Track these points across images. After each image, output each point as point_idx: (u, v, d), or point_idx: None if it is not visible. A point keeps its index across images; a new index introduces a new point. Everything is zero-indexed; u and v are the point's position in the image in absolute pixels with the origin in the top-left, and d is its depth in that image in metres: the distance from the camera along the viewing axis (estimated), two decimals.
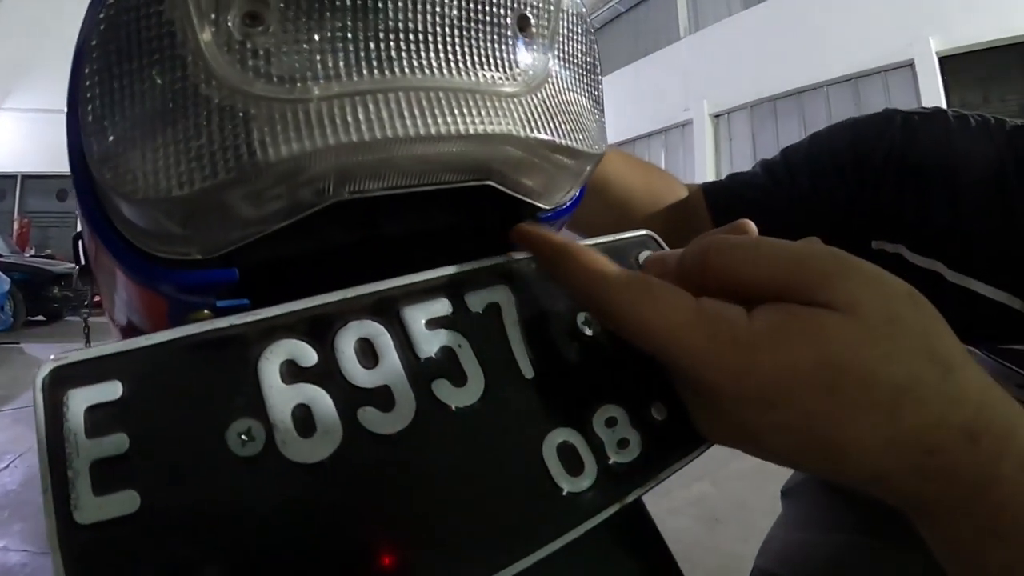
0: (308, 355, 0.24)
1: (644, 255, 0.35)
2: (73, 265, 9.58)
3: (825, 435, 0.24)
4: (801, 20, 8.33)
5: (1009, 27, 6.40)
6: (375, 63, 0.24)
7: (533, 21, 0.29)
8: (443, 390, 0.26)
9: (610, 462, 0.27)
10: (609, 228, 0.41)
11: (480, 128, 0.25)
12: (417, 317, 0.26)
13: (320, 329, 0.25)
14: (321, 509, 0.23)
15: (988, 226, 0.57)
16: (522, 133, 0.27)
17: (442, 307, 0.27)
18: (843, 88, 8.07)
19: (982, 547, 0.24)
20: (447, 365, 0.26)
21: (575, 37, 0.32)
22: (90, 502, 0.20)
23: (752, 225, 0.35)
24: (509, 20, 0.28)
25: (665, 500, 2.18)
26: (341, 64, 0.24)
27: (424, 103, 0.24)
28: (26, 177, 12.31)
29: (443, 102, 0.25)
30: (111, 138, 0.24)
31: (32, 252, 10.28)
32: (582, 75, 0.32)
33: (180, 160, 0.23)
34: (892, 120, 0.63)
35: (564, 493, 0.26)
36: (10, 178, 12.32)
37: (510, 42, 0.28)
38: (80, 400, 0.21)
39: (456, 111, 0.25)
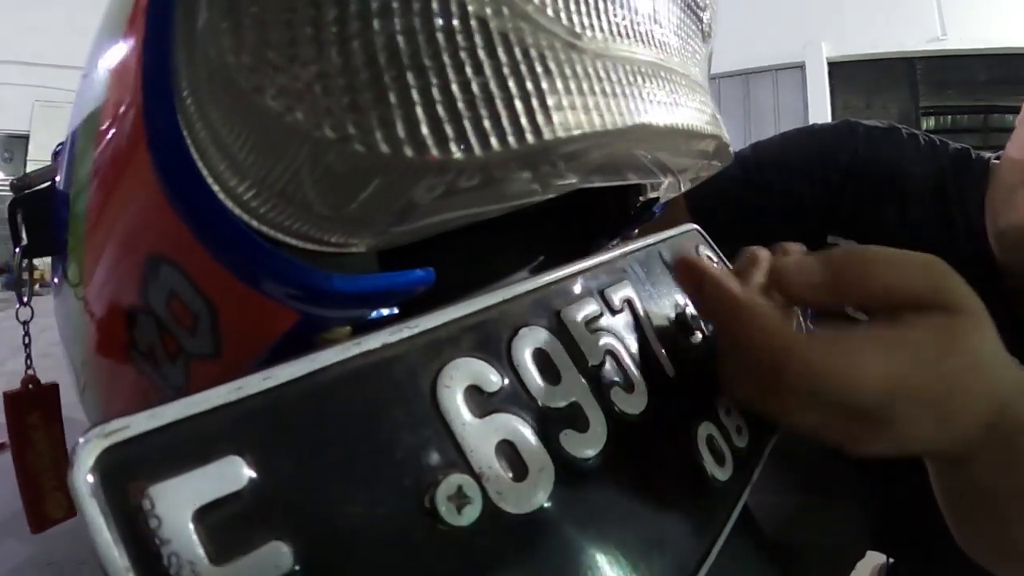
0: (490, 376, 0.20)
1: (705, 252, 0.37)
2: None
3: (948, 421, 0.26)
4: (749, 6, 8.55)
5: (897, 41, 6.90)
6: (655, 33, 0.21)
7: (706, 18, 0.28)
8: (620, 399, 0.23)
9: (736, 447, 0.27)
10: None
11: (706, 127, 0.24)
12: (577, 320, 0.24)
13: (490, 341, 0.21)
14: (551, 562, 0.18)
15: (929, 230, 0.67)
16: (724, 133, 0.27)
17: (593, 307, 0.25)
18: (734, 82, 8.51)
19: (997, 476, 0.29)
20: (614, 371, 0.24)
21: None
22: None
23: (796, 246, 0.39)
24: (700, 10, 0.27)
25: None
26: (619, 18, 0.19)
27: (691, 94, 0.23)
28: None
29: (699, 95, 0.23)
30: (262, 84, 0.16)
31: None
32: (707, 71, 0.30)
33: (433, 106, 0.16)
34: (855, 131, 0.73)
35: (718, 483, 0.26)
36: None
37: (700, 31, 0.27)
38: (179, 501, 0.13)
39: (707, 107, 0.24)
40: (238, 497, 0.14)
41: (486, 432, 0.18)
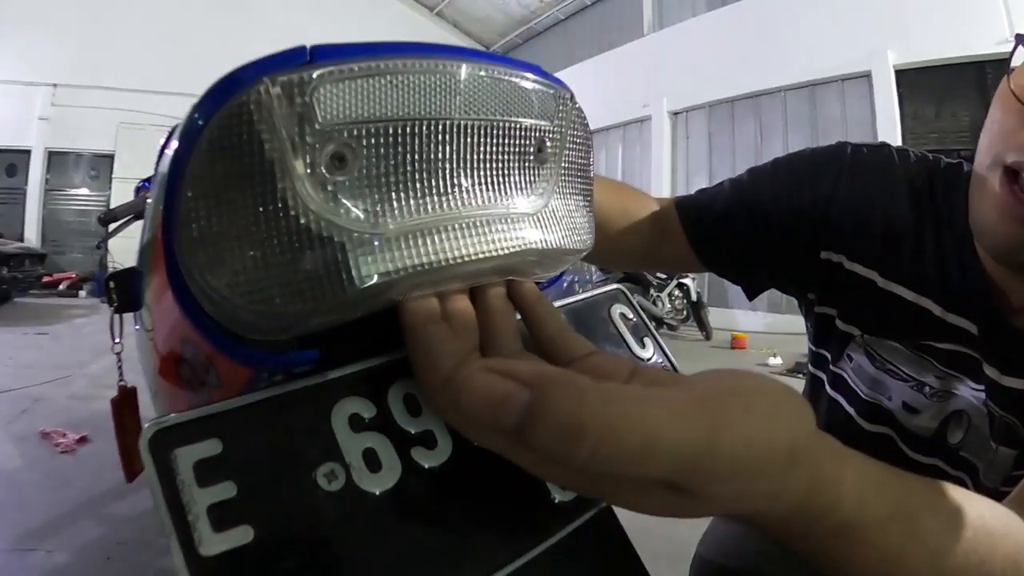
0: (365, 411, 0.31)
1: (619, 311, 0.45)
2: (22, 244, 9.27)
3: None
4: (763, 25, 8.56)
5: (964, 46, 6.68)
6: (435, 200, 0.31)
7: (548, 144, 0.36)
8: None
9: None
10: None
11: (511, 247, 0.33)
12: None
13: (374, 387, 0.32)
14: (391, 524, 0.30)
15: (915, 242, 0.68)
16: (539, 246, 0.34)
17: None
18: (800, 94, 8.36)
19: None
20: None
21: (579, 145, 0.39)
22: (211, 538, 0.26)
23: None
24: (532, 148, 0.35)
25: None
26: (410, 201, 0.30)
27: (472, 231, 0.31)
28: None
29: (485, 229, 0.32)
30: (216, 254, 0.29)
31: None
32: (579, 179, 0.39)
33: (285, 281, 0.28)
34: (843, 150, 0.74)
35: (557, 503, 0.34)
36: None
37: (531, 167, 0.35)
38: (187, 458, 0.27)
39: (494, 237, 0.32)
40: (216, 459, 0.27)
41: (357, 441, 0.30)
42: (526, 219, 0.34)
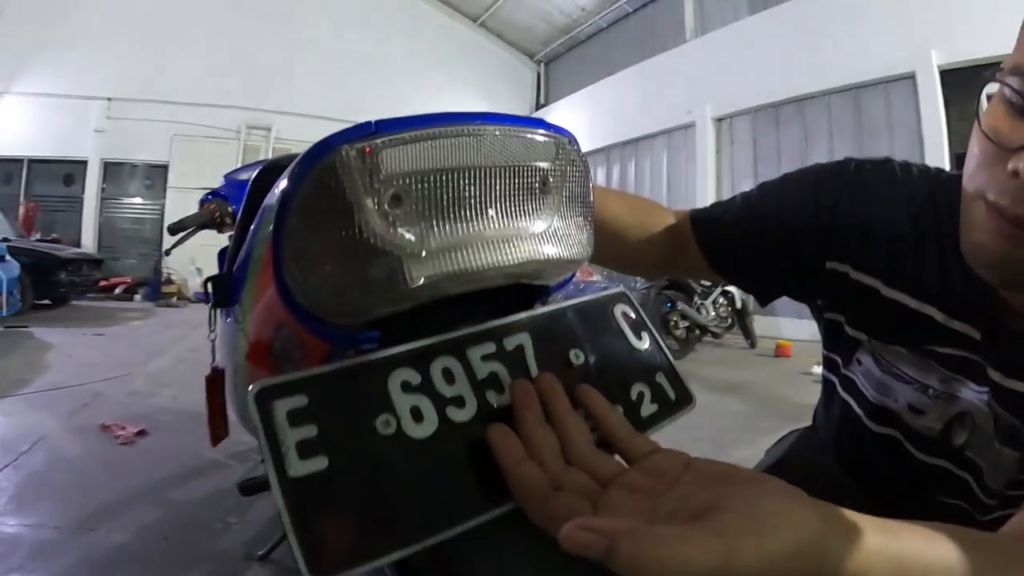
0: (414, 378, 0.42)
1: (621, 310, 0.55)
2: (80, 250, 9.65)
3: None
4: (805, 28, 8.45)
5: (1009, 44, 6.43)
6: (464, 226, 0.42)
7: (550, 179, 0.47)
8: (492, 396, 0.44)
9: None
10: (608, 258, 0.59)
11: (521, 258, 0.44)
12: (476, 354, 0.45)
13: (421, 362, 0.43)
14: (429, 461, 0.40)
15: (916, 252, 0.71)
16: (542, 257, 0.45)
17: (489, 348, 0.46)
18: (844, 97, 8.22)
19: None
20: (494, 382, 0.44)
21: (576, 178, 0.48)
22: (297, 464, 0.36)
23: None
24: (537, 183, 0.46)
25: None
26: (446, 227, 0.41)
27: (492, 247, 0.42)
28: (32, 161, 12.20)
29: (501, 246, 0.43)
30: (310, 262, 0.42)
31: (38, 236, 10.33)
32: (579, 203, 0.49)
33: (359, 281, 0.41)
34: (848, 165, 0.78)
35: None
36: (16, 162, 12.16)
37: (536, 197, 0.45)
38: (282, 407, 0.38)
39: (508, 251, 0.43)
40: (303, 409, 0.37)
41: (406, 400, 0.41)
42: (533, 237, 0.45)
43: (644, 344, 0.53)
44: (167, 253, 2.00)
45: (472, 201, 0.42)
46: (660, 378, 0.52)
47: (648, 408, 0.49)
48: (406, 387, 0.41)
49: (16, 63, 11.96)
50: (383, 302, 0.42)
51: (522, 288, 0.51)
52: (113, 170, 12.55)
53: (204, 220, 1.63)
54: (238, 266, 0.71)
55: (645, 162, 11.42)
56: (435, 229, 0.40)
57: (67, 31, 12.09)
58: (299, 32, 12.69)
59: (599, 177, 11.94)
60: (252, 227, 0.61)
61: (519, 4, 14.06)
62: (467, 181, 0.41)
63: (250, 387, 0.37)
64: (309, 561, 0.34)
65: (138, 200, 12.68)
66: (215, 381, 0.92)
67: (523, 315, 0.49)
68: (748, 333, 7.38)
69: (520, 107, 15.74)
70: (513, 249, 0.43)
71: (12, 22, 11.93)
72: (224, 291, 0.90)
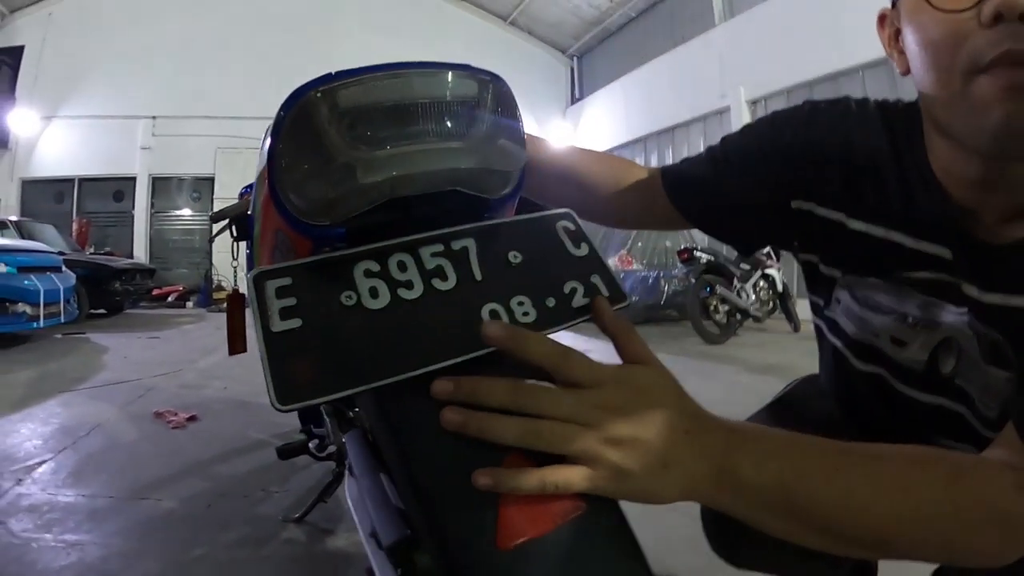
0: (375, 267, 0.52)
1: (563, 225, 0.61)
2: (132, 260, 10.05)
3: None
4: (836, 2, 8.20)
5: None
6: (409, 139, 0.52)
7: (478, 109, 0.56)
8: (437, 282, 0.52)
9: (516, 320, 0.52)
10: (584, 210, 0.65)
11: (449, 165, 0.53)
12: (427, 252, 0.54)
13: (381, 256, 0.52)
14: (381, 327, 0.49)
15: (876, 179, 0.72)
16: (467, 165, 0.54)
17: (438, 247, 0.54)
18: (878, 71, 7.98)
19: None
20: (439, 272, 0.53)
21: (501, 108, 0.57)
22: (279, 323, 0.47)
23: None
24: (463, 111, 0.55)
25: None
26: (389, 144, 0.51)
27: (425, 157, 0.52)
28: (83, 180, 12.93)
29: (433, 155, 0.53)
30: (293, 176, 0.53)
31: (92, 250, 10.81)
32: (503, 127, 0.57)
33: (328, 184, 0.51)
34: (802, 107, 0.79)
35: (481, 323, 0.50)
36: (68, 181, 12.96)
37: (463, 121, 0.55)
38: (271, 285, 0.49)
39: (438, 159, 0.53)
40: (287, 286, 0.49)
41: (367, 283, 0.50)
42: (461, 150, 0.54)
43: (582, 252, 0.59)
44: (211, 240, 2.16)
45: (409, 125, 0.52)
46: (595, 279, 0.57)
47: (579, 300, 0.55)
48: (367, 273, 0.51)
49: (62, 89, 12.76)
50: (347, 201, 0.52)
51: (472, 207, 0.60)
52: (161, 184, 13.07)
53: (243, 209, 1.73)
54: (251, 207, 0.85)
55: (682, 149, 11.28)
56: (381, 145, 0.50)
57: (109, 55, 12.72)
58: (332, 44, 12.94)
59: None
60: (256, 171, 0.75)
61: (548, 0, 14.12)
62: (403, 110, 0.52)
63: (248, 273, 0.49)
64: (279, 394, 0.44)
65: (186, 212, 13.18)
66: (236, 300, 1.02)
67: (469, 225, 0.57)
68: (791, 316, 7.25)
69: (556, 102, 15.82)
70: (442, 157, 0.53)
71: (56, 49, 12.85)
72: (243, 227, 1.32)
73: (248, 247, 1.46)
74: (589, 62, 15.72)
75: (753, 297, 6.89)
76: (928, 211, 0.67)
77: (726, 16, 10.62)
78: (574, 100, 15.92)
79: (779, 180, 0.77)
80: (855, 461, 0.50)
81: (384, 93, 0.52)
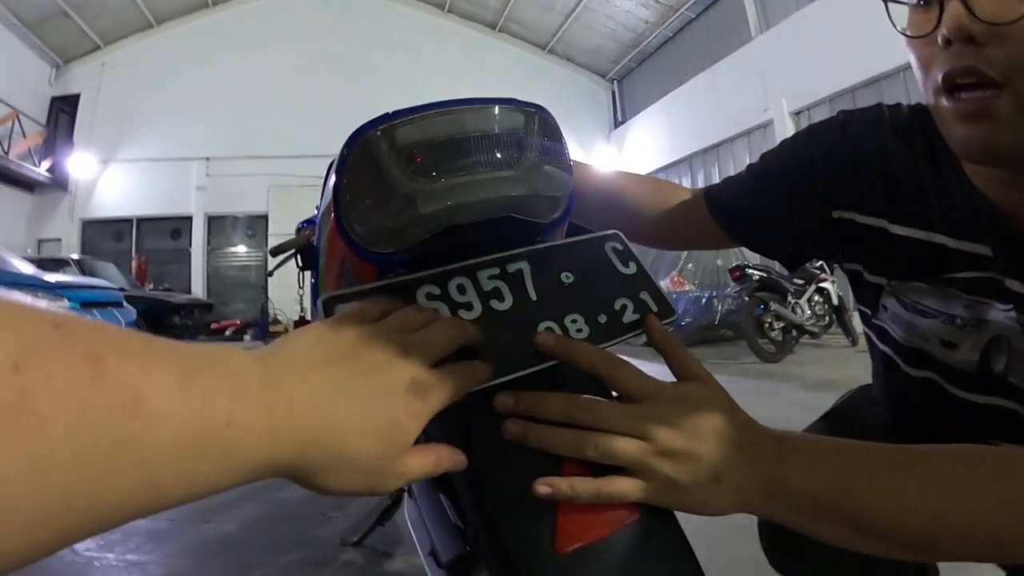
0: (436, 290, 0.54)
1: (610, 246, 0.65)
2: (190, 296, 10.40)
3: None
4: (872, 5, 7.97)
5: None
6: (463, 170, 0.53)
7: (526, 139, 0.58)
8: (495, 303, 0.55)
9: (571, 336, 0.54)
10: (631, 232, 0.68)
11: (505, 193, 0.55)
12: (484, 275, 0.56)
13: (441, 280, 0.55)
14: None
15: (913, 182, 0.72)
16: (521, 193, 0.56)
17: (495, 271, 0.57)
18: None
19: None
20: (496, 293, 0.55)
21: (546, 137, 0.59)
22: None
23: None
24: (512, 142, 0.57)
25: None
26: (446, 175, 0.53)
27: (479, 186, 0.54)
28: (141, 220, 13.59)
29: (487, 184, 0.54)
30: (358, 208, 0.56)
31: (151, 286, 11.27)
32: (551, 155, 0.59)
33: (390, 216, 0.54)
34: (837, 117, 0.81)
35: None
36: (126, 221, 13.67)
37: (513, 151, 0.56)
38: (340, 309, 0.50)
39: (492, 187, 0.54)
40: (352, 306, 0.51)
41: (428, 305, 0.52)
42: (512, 179, 0.56)
43: (630, 270, 0.63)
44: (270, 274, 2.22)
45: (462, 157, 0.55)
46: (644, 295, 0.60)
47: (630, 316, 0.58)
48: (429, 296, 0.54)
49: (118, 133, 13.62)
50: (409, 230, 0.54)
51: (525, 232, 0.62)
52: (216, 223, 13.59)
53: (300, 244, 1.82)
54: (316, 238, 0.89)
55: (728, 166, 11.15)
56: (438, 177, 0.53)
57: (161, 100, 13.46)
58: (377, 80, 13.37)
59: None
60: (320, 206, 0.82)
61: (584, 25, 14.27)
62: (456, 144, 0.55)
63: (319, 298, 0.52)
64: None
65: (242, 248, 13.67)
66: (302, 324, 1.06)
67: (523, 249, 0.60)
68: (848, 331, 7.04)
69: (599, 127, 15.95)
70: (495, 186, 0.55)
71: (110, 96, 13.77)
72: (308, 257, 1.48)
73: (312, 276, 1.60)
74: (629, 85, 15.76)
75: (808, 312, 6.72)
76: (965, 211, 0.68)
77: (762, 29, 10.54)
78: (617, 123, 15.96)
79: (819, 192, 0.78)
80: (903, 462, 0.49)
81: (438, 129, 0.55)
